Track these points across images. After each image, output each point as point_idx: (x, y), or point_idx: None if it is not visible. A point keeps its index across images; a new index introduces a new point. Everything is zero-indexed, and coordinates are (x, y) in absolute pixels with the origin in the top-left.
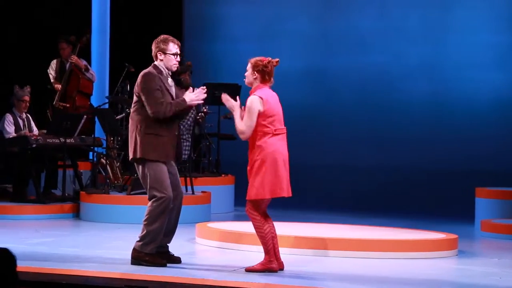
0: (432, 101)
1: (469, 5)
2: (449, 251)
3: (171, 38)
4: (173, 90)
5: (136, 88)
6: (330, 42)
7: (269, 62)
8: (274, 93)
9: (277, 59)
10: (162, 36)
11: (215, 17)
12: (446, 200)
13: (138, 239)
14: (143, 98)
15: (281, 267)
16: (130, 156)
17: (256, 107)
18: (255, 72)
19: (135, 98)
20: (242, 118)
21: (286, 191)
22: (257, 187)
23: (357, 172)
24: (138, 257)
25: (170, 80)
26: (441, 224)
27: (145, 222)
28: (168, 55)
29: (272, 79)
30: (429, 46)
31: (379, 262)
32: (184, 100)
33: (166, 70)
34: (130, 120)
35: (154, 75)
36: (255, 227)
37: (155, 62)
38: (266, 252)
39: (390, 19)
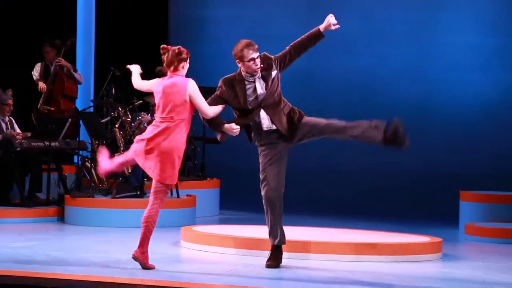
0: (417, 103)
1: (453, 7)
2: (433, 254)
3: (246, 44)
4: (254, 89)
5: None
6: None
7: None
8: None
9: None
10: (239, 45)
11: (201, 20)
12: (430, 203)
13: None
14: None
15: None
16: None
17: None
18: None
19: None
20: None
21: None
22: (174, 174)
23: (340, 176)
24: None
25: (256, 79)
26: (425, 227)
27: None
28: (245, 63)
29: None
30: (413, 48)
31: (362, 265)
32: (223, 123)
33: (248, 74)
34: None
35: (226, 80)
36: (155, 214)
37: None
38: (145, 243)
39: (374, 21)
